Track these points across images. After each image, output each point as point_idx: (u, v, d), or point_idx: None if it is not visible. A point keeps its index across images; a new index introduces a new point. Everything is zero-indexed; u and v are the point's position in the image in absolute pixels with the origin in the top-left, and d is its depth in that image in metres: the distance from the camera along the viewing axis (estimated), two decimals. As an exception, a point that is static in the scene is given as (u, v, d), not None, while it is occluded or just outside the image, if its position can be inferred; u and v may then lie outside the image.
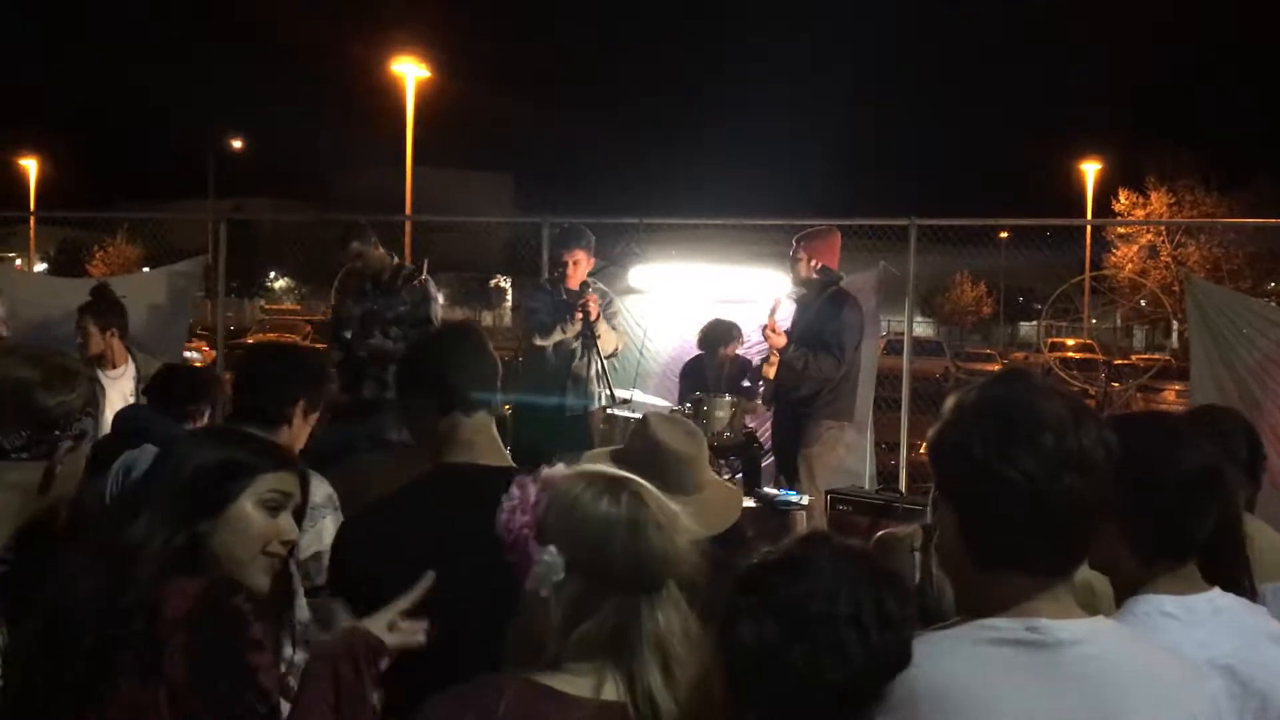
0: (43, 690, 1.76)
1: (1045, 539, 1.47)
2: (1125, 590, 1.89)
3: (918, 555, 2.26)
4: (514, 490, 1.72)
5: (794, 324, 6.26)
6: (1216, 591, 1.88)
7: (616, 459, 2.43)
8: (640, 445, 2.60)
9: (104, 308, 5.80)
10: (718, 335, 6.89)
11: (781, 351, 6.13)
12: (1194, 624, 1.80)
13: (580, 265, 6.09)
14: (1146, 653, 1.54)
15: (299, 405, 2.94)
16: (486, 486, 1.79)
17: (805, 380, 6.07)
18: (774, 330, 6.13)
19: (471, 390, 2.25)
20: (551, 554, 1.63)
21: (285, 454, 2.05)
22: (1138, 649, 1.53)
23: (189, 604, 1.74)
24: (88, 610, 1.77)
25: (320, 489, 2.87)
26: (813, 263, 6.23)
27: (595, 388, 6.06)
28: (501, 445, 2.31)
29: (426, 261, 6.57)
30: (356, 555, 2.15)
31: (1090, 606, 1.91)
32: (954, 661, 1.44)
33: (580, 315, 5.93)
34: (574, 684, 1.57)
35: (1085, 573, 1.87)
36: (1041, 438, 1.43)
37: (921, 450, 7.14)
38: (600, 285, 6.38)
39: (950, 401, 1.55)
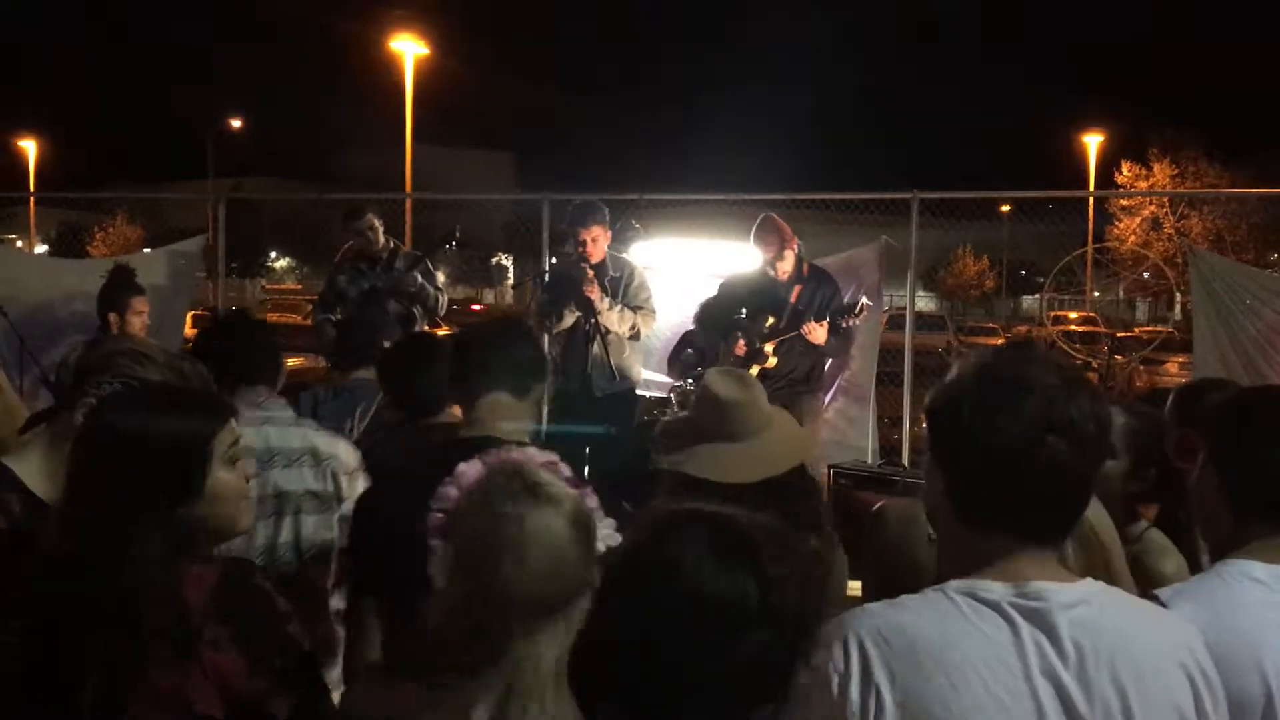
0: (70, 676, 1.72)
1: (1028, 503, 1.47)
2: (1220, 550, 1.89)
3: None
4: (462, 467, 1.61)
5: (805, 308, 6.20)
6: None
7: (681, 420, 2.50)
8: (696, 401, 2.60)
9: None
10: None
11: (821, 348, 6.10)
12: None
13: (599, 241, 5.97)
14: (1138, 614, 1.53)
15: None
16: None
17: (825, 358, 6.29)
18: (819, 325, 6.04)
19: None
20: (442, 547, 1.54)
21: (216, 399, 2.09)
22: (1129, 612, 1.52)
23: (210, 592, 1.73)
24: (115, 600, 1.72)
25: (354, 454, 3.05)
26: (794, 246, 6.23)
27: (620, 366, 5.89)
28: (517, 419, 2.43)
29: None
30: (370, 521, 2.36)
31: (1091, 550, 1.92)
32: (937, 618, 1.43)
33: (577, 301, 5.83)
34: (435, 698, 1.41)
35: (1092, 517, 1.88)
36: (1026, 402, 1.44)
37: (923, 422, 7.15)
38: (624, 258, 6.27)
39: (952, 370, 1.57)
